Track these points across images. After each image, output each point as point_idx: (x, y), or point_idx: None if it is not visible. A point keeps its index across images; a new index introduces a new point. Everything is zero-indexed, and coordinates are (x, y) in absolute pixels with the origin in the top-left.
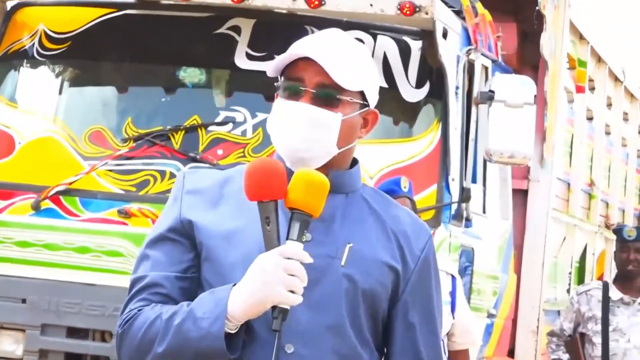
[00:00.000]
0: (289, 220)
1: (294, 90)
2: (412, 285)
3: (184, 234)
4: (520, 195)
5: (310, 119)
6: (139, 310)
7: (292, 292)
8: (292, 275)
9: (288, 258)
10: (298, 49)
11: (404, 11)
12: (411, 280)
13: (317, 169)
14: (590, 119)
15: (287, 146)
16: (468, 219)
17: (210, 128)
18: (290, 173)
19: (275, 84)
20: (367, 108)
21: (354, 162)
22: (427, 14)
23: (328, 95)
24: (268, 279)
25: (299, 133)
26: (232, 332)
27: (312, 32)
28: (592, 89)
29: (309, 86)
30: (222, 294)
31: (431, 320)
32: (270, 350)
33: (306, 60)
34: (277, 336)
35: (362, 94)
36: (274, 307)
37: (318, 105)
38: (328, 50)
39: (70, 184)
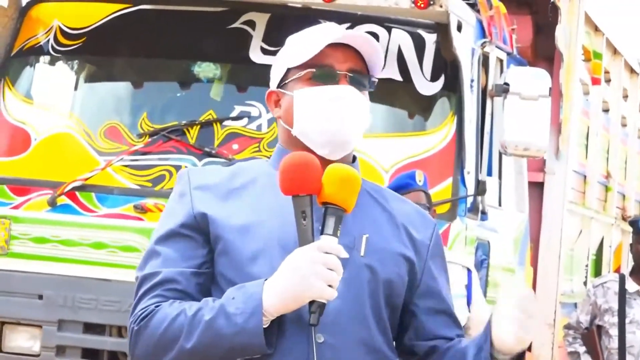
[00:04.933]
0: (322, 215)
1: (328, 77)
2: (427, 273)
3: (197, 229)
4: (536, 188)
5: (354, 101)
6: (157, 307)
7: (330, 286)
8: (330, 269)
9: (326, 252)
10: (333, 35)
11: (418, 4)
12: (425, 267)
13: (335, 161)
14: (606, 110)
15: (330, 131)
16: (484, 212)
17: (225, 123)
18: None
19: (300, 74)
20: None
21: (354, 157)
22: (441, 6)
23: (360, 80)
24: (307, 273)
25: (344, 116)
26: (264, 327)
27: None
28: (607, 80)
29: (342, 70)
30: (254, 289)
31: (444, 303)
32: (302, 342)
33: (332, 47)
34: (312, 331)
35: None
36: (311, 302)
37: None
38: (357, 37)
39: (86, 179)
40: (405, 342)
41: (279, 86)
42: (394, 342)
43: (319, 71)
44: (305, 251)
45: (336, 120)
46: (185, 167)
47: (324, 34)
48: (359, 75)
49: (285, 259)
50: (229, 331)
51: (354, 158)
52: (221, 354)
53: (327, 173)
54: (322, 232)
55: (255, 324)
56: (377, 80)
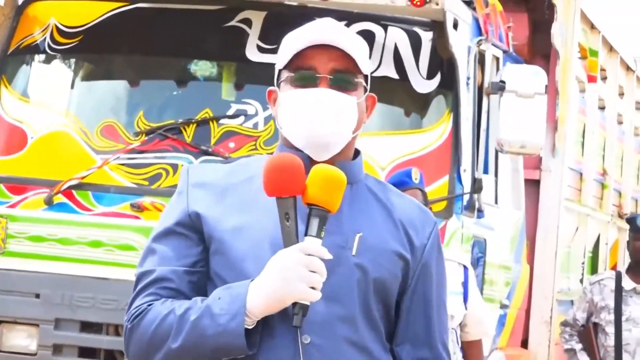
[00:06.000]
0: (306, 216)
1: (308, 79)
2: (420, 273)
3: (192, 228)
4: (533, 186)
5: (333, 103)
6: (149, 305)
7: (313, 288)
8: (313, 271)
9: (308, 254)
10: (313, 36)
11: (415, 2)
12: (419, 268)
13: (325, 160)
14: (602, 108)
15: (310, 134)
16: (480, 210)
17: (221, 121)
18: (307, 169)
19: (286, 76)
20: (367, 92)
21: (357, 152)
22: (437, 4)
23: (344, 80)
24: (290, 276)
25: (322, 119)
26: (249, 327)
27: None
28: (603, 78)
29: (324, 72)
30: (239, 290)
31: (438, 306)
32: (288, 344)
33: (316, 47)
34: (298, 331)
35: (365, 78)
36: (294, 304)
37: (337, 90)
38: (341, 36)
39: (83, 178)
40: (394, 344)
41: (277, 84)
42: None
43: (298, 74)
44: (287, 253)
45: (315, 124)
46: (182, 165)
47: (303, 36)
48: (344, 75)
49: (269, 260)
50: (212, 332)
51: (357, 154)
52: (206, 354)
53: (312, 174)
54: (305, 234)
55: (237, 324)
56: (366, 76)
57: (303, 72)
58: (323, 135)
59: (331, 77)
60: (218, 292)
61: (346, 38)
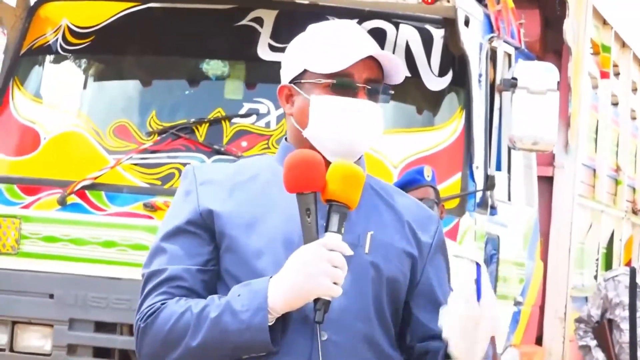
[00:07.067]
0: (326, 213)
1: (348, 87)
2: (426, 271)
3: (203, 226)
4: (546, 182)
5: (371, 115)
6: (163, 304)
7: (335, 283)
8: (336, 267)
9: (331, 250)
10: (365, 48)
11: (426, 0)
12: (427, 266)
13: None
14: (615, 104)
15: (346, 143)
16: (493, 207)
17: (234, 120)
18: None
19: (319, 80)
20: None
21: None
22: (448, 1)
23: (376, 90)
24: (313, 271)
25: (363, 130)
26: (270, 324)
27: None
28: (616, 74)
29: (360, 82)
30: (259, 285)
31: (446, 301)
32: (305, 339)
33: None
34: (317, 328)
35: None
36: (316, 300)
37: (369, 100)
38: (384, 54)
39: (96, 178)
40: (407, 342)
41: (292, 81)
42: (398, 341)
43: (340, 81)
44: (310, 248)
45: (352, 133)
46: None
47: (355, 46)
48: (376, 85)
49: (290, 256)
50: (234, 328)
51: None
52: (227, 351)
53: (331, 170)
54: (326, 230)
55: (261, 320)
56: (392, 92)
57: (344, 79)
58: (357, 144)
59: (369, 87)
60: (237, 289)
61: (386, 55)
